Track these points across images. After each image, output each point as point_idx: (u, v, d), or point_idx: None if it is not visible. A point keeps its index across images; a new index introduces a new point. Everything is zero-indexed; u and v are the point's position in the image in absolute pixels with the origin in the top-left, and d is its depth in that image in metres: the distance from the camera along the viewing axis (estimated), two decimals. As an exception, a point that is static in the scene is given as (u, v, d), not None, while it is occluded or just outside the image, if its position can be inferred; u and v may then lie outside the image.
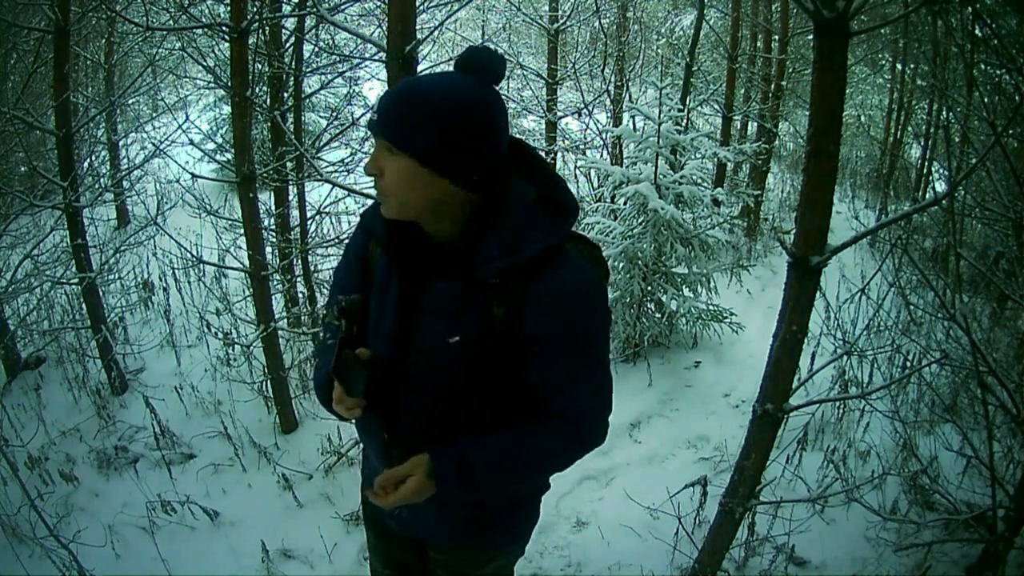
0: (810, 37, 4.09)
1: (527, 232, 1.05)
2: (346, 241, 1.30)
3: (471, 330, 1.08)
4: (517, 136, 1.18)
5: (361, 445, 1.51)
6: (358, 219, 1.23)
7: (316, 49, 3.75)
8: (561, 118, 6.45)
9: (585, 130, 6.75)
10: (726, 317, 4.03)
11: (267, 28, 3.43)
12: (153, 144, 3.80)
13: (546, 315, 1.07)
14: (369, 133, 1.11)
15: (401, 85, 1.05)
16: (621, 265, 3.99)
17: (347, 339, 1.13)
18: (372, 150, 1.07)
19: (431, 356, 1.13)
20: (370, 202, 1.22)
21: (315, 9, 2.48)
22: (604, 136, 6.36)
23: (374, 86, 5.03)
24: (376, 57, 2.85)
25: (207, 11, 3.33)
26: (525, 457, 1.16)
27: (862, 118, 9.15)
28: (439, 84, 1.03)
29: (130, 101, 6.32)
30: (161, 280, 4.60)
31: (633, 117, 5.23)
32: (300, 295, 4.03)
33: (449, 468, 1.10)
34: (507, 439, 1.14)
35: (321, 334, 1.20)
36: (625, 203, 4.00)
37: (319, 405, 1.35)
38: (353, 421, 1.20)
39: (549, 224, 1.07)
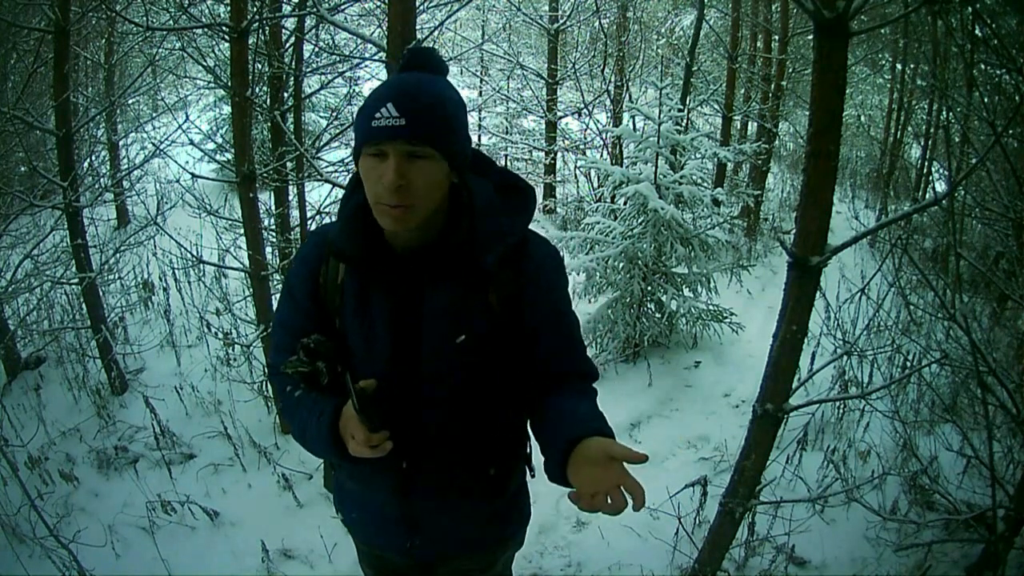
0: (810, 37, 4.10)
1: (502, 218, 1.08)
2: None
3: (476, 324, 1.09)
4: None
5: (337, 485, 1.44)
6: (301, 257, 1.16)
7: (316, 49, 3.75)
8: (561, 118, 6.46)
9: (585, 130, 6.77)
10: (726, 317, 4.04)
11: (267, 28, 3.43)
12: (153, 144, 3.81)
13: (541, 294, 1.11)
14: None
15: (411, 87, 0.99)
16: (621, 265, 3.99)
17: (334, 380, 1.04)
18: (381, 162, 0.98)
19: (440, 362, 1.10)
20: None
21: (315, 9, 2.48)
22: (604, 136, 6.37)
23: (374, 86, 5.03)
24: (376, 57, 2.84)
25: (207, 11, 3.34)
26: (599, 412, 1.12)
27: (862, 118, 9.17)
28: (438, 82, 1.03)
29: (130, 101, 6.36)
30: (161, 280, 4.61)
31: (633, 117, 5.23)
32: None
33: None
34: (589, 405, 1.12)
35: (287, 388, 1.13)
36: (625, 203, 4.00)
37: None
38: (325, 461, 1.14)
39: (518, 207, 1.11)
